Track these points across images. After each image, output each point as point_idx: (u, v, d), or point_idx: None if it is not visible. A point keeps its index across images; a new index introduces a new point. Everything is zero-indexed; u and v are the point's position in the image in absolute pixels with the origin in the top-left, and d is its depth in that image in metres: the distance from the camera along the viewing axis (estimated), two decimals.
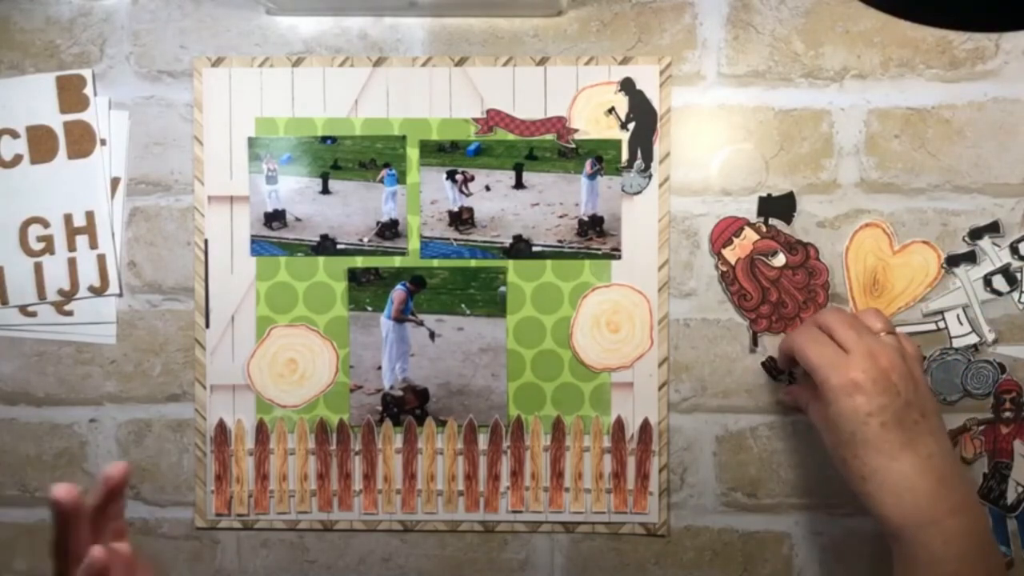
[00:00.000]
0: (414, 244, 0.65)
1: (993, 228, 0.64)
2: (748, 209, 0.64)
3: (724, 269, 0.65)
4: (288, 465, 0.65)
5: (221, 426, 0.65)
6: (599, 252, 0.65)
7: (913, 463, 0.53)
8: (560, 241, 0.65)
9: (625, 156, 0.64)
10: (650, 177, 0.64)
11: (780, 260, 0.64)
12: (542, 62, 0.64)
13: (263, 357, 0.65)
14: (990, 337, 0.64)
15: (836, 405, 0.54)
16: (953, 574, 0.51)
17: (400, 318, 0.65)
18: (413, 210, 0.65)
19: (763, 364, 0.65)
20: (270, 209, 0.65)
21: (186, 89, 0.65)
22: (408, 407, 0.65)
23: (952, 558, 0.51)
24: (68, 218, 0.65)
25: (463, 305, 0.65)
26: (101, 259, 0.65)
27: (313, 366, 0.65)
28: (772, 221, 0.64)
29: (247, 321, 0.65)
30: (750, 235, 0.64)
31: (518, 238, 0.65)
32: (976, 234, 0.64)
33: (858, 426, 0.53)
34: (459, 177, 0.64)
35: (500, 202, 0.65)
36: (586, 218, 0.64)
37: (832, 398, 0.54)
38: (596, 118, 0.64)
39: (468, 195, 0.65)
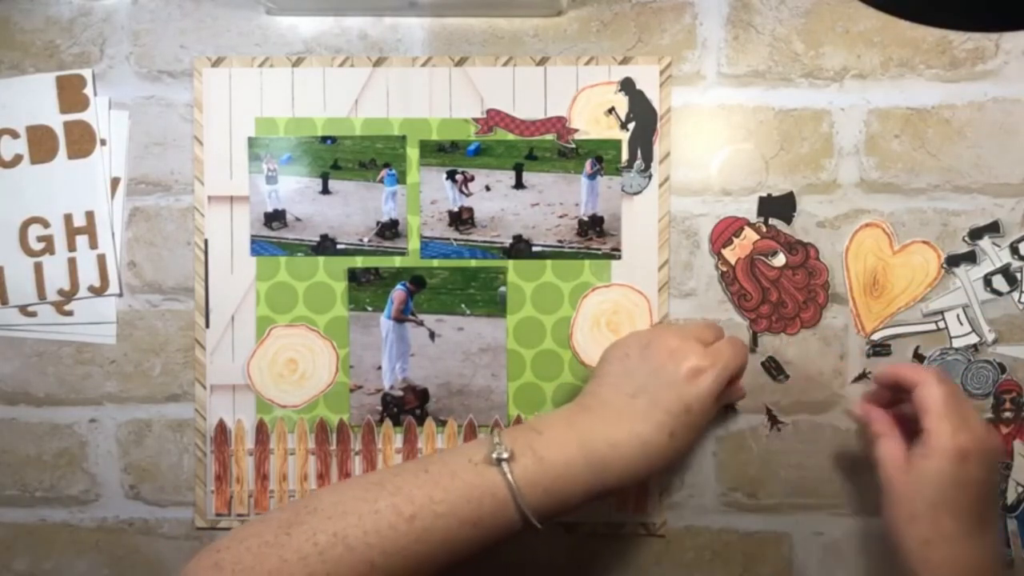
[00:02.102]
0: (414, 244, 0.65)
1: (993, 228, 0.64)
2: (748, 209, 0.64)
3: (724, 269, 0.65)
4: (288, 465, 0.65)
5: (221, 426, 0.65)
6: (599, 252, 0.65)
7: (982, 544, 0.52)
8: (560, 241, 0.65)
9: (625, 156, 0.64)
10: (650, 177, 0.64)
11: (780, 260, 0.64)
12: (542, 62, 0.64)
13: (263, 357, 0.65)
14: (990, 337, 0.64)
15: (941, 463, 0.52)
16: None
17: (400, 318, 0.65)
18: (413, 210, 0.65)
19: (763, 364, 0.64)
20: (270, 209, 0.65)
21: (186, 89, 0.65)
22: (408, 407, 0.65)
23: None
24: (68, 218, 0.65)
25: (463, 305, 0.65)
26: (101, 259, 0.65)
27: (313, 366, 0.65)
28: (772, 221, 0.64)
29: (247, 321, 0.65)
30: (750, 235, 0.64)
31: (518, 238, 0.65)
32: (976, 234, 0.64)
33: (952, 491, 0.52)
34: (459, 177, 0.65)
35: (500, 202, 0.65)
36: (586, 218, 0.64)
37: (939, 454, 0.52)
38: (596, 118, 0.64)
39: (468, 195, 0.65)
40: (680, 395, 0.52)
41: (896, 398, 0.58)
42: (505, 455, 0.50)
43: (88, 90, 0.65)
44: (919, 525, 0.52)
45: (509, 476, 0.50)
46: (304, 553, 0.47)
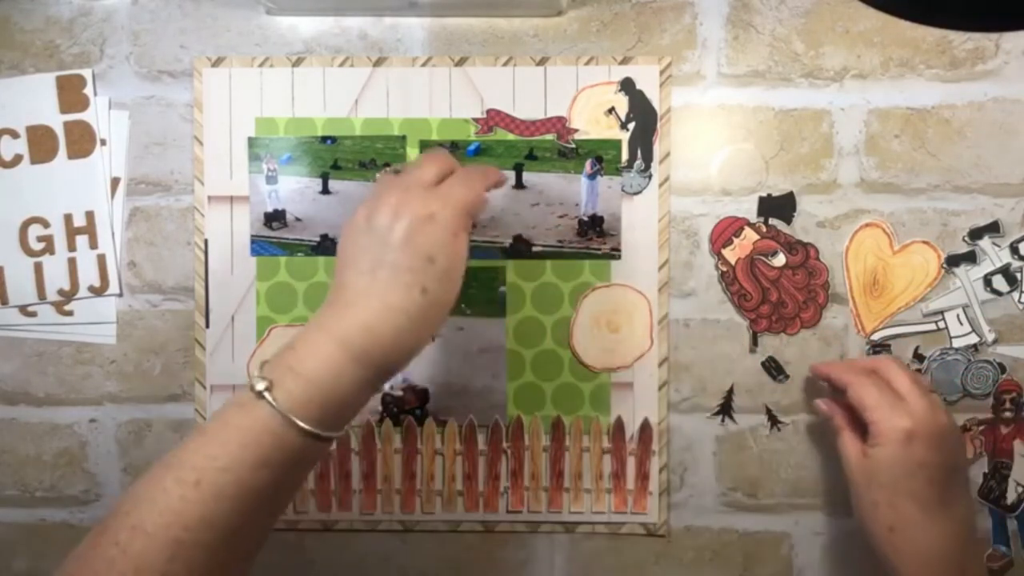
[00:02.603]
0: None
1: (993, 228, 0.64)
2: (748, 209, 0.64)
3: (724, 269, 0.65)
4: None
5: None
6: (599, 252, 0.65)
7: (945, 525, 0.53)
8: (560, 241, 0.65)
9: (625, 156, 0.64)
10: (650, 177, 0.64)
11: (780, 260, 0.64)
12: (542, 62, 0.64)
13: (263, 357, 0.64)
14: (990, 337, 0.64)
15: (887, 449, 0.53)
16: None
17: None
18: None
19: (763, 364, 0.64)
20: (270, 209, 0.65)
21: (186, 89, 0.65)
22: (408, 407, 0.65)
23: None
24: (68, 218, 0.65)
25: (463, 305, 0.65)
26: (101, 259, 0.65)
27: None
28: (772, 221, 0.64)
29: (247, 321, 0.65)
30: (750, 235, 0.64)
31: (518, 238, 0.65)
32: (976, 234, 0.64)
33: (904, 475, 0.53)
34: None
35: (500, 202, 0.65)
36: (586, 218, 0.64)
37: (884, 441, 0.54)
38: (596, 118, 0.64)
39: None
40: (416, 249, 0.48)
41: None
42: (263, 385, 0.46)
43: (88, 90, 0.65)
44: (881, 512, 0.54)
45: (275, 405, 0.46)
46: (110, 556, 0.44)
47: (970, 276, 0.64)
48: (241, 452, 0.46)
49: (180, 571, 0.44)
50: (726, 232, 0.64)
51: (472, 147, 0.64)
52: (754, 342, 0.65)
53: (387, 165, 0.64)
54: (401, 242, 0.48)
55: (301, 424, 0.46)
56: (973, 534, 0.54)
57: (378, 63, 0.64)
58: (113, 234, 0.65)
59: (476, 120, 0.64)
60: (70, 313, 0.65)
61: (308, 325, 0.50)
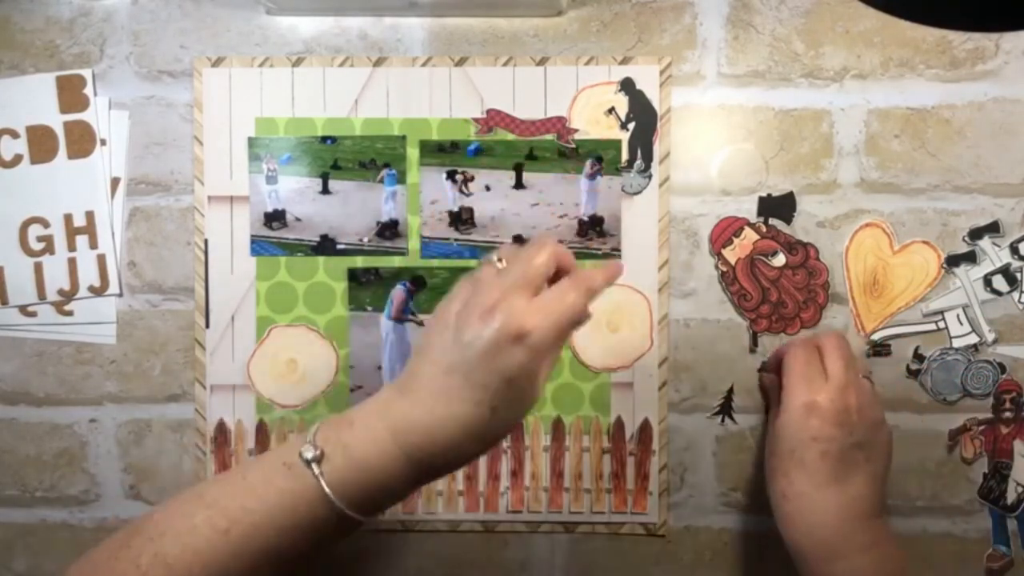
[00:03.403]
0: (414, 244, 0.65)
1: (993, 228, 0.64)
2: (748, 209, 0.64)
3: (724, 269, 0.65)
4: None
5: (221, 426, 0.65)
6: (599, 252, 0.65)
7: (837, 499, 0.53)
8: (560, 241, 0.65)
9: (625, 156, 0.64)
10: (650, 177, 0.64)
11: (780, 260, 0.64)
12: (542, 62, 0.64)
13: (263, 357, 0.65)
14: (990, 337, 0.64)
15: (788, 417, 0.55)
16: None
17: (400, 318, 0.65)
18: (413, 210, 0.65)
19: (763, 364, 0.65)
20: (270, 209, 0.65)
21: (186, 89, 0.65)
22: None
23: None
24: (68, 218, 0.65)
25: None
26: (101, 259, 0.65)
27: (313, 366, 0.65)
28: (772, 221, 0.64)
29: (247, 321, 0.65)
30: (750, 235, 0.64)
31: (518, 238, 0.65)
32: (976, 234, 0.64)
33: (799, 446, 0.54)
34: (459, 177, 0.65)
35: (500, 202, 0.65)
36: (586, 218, 0.64)
37: (785, 410, 0.55)
38: (596, 118, 0.64)
39: (468, 195, 0.65)
40: (497, 367, 0.45)
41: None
42: (312, 454, 0.46)
43: (88, 90, 0.65)
44: (776, 479, 0.55)
45: (320, 479, 0.46)
46: None
47: (970, 276, 0.64)
48: (275, 513, 0.46)
49: None
50: (726, 232, 0.64)
51: (472, 147, 0.64)
52: (754, 342, 0.65)
53: (387, 166, 0.64)
54: (482, 355, 0.45)
55: (339, 505, 0.46)
56: (876, 508, 0.54)
57: (378, 63, 0.64)
58: (113, 234, 0.65)
59: (476, 120, 0.64)
60: (70, 313, 0.65)
61: (371, 403, 0.48)
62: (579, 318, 0.47)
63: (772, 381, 0.62)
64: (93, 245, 0.65)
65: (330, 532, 0.47)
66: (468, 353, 0.45)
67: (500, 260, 0.49)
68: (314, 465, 0.46)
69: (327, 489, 0.46)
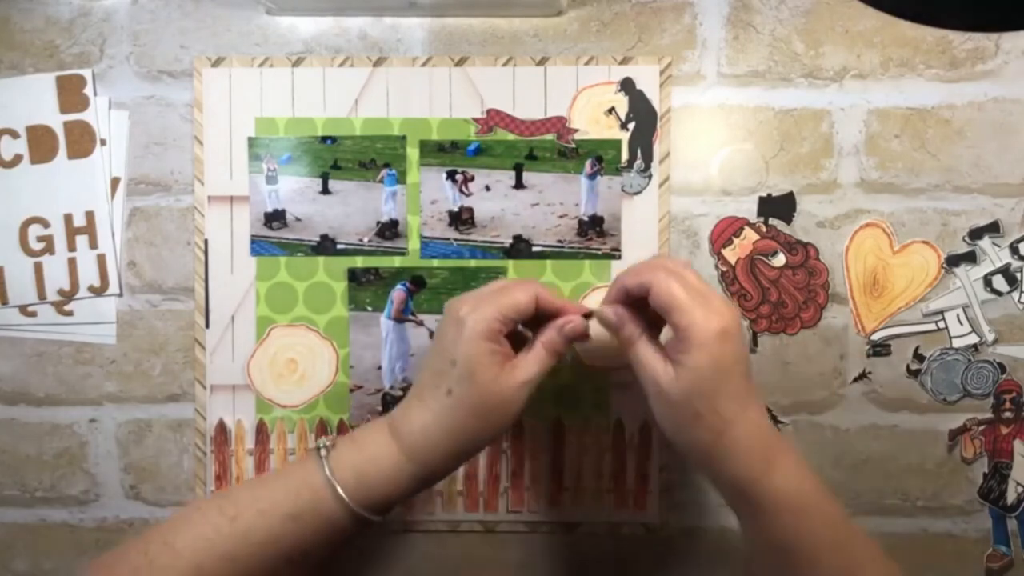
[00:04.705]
0: (414, 244, 0.65)
1: (993, 228, 0.64)
2: (748, 209, 0.64)
3: (724, 269, 0.65)
4: None
5: (221, 426, 0.65)
6: (599, 252, 0.65)
7: (759, 410, 0.51)
8: (560, 241, 0.65)
9: (625, 156, 0.64)
10: (650, 177, 0.64)
11: (780, 260, 0.64)
12: (542, 62, 0.64)
13: (263, 357, 0.65)
14: (990, 337, 0.64)
15: (703, 352, 0.48)
16: (805, 508, 0.50)
17: (400, 318, 0.65)
18: (413, 210, 0.65)
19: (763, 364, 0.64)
20: (270, 209, 0.65)
21: (186, 89, 0.65)
22: None
23: (803, 492, 0.50)
24: (68, 218, 0.65)
25: None
26: (101, 259, 0.65)
27: (313, 366, 0.65)
28: (772, 221, 0.64)
29: (247, 321, 0.65)
30: (750, 235, 0.64)
31: (518, 238, 0.65)
32: (976, 234, 0.64)
33: (724, 377, 0.49)
34: (459, 177, 0.65)
35: (500, 202, 0.65)
36: (586, 218, 0.64)
37: (701, 343, 0.48)
38: (596, 118, 0.64)
39: (468, 195, 0.65)
40: (441, 350, 0.51)
41: (639, 303, 0.53)
42: (324, 442, 0.52)
43: (88, 90, 0.65)
44: (706, 422, 0.49)
45: (325, 464, 0.50)
46: (136, 564, 0.48)
47: (970, 276, 0.64)
48: (280, 498, 0.50)
49: None
50: (726, 232, 0.64)
51: (472, 147, 0.64)
52: (754, 342, 0.65)
53: (387, 166, 0.64)
54: (435, 344, 0.53)
55: (338, 489, 0.49)
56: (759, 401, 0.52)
57: (378, 63, 0.64)
58: (113, 234, 0.65)
59: (476, 120, 0.64)
60: (70, 313, 0.65)
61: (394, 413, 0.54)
62: (509, 305, 0.51)
63: (621, 315, 0.53)
64: (93, 245, 0.65)
65: (332, 524, 0.50)
66: (432, 346, 0.53)
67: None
68: (322, 451, 0.51)
69: (329, 473, 0.50)
